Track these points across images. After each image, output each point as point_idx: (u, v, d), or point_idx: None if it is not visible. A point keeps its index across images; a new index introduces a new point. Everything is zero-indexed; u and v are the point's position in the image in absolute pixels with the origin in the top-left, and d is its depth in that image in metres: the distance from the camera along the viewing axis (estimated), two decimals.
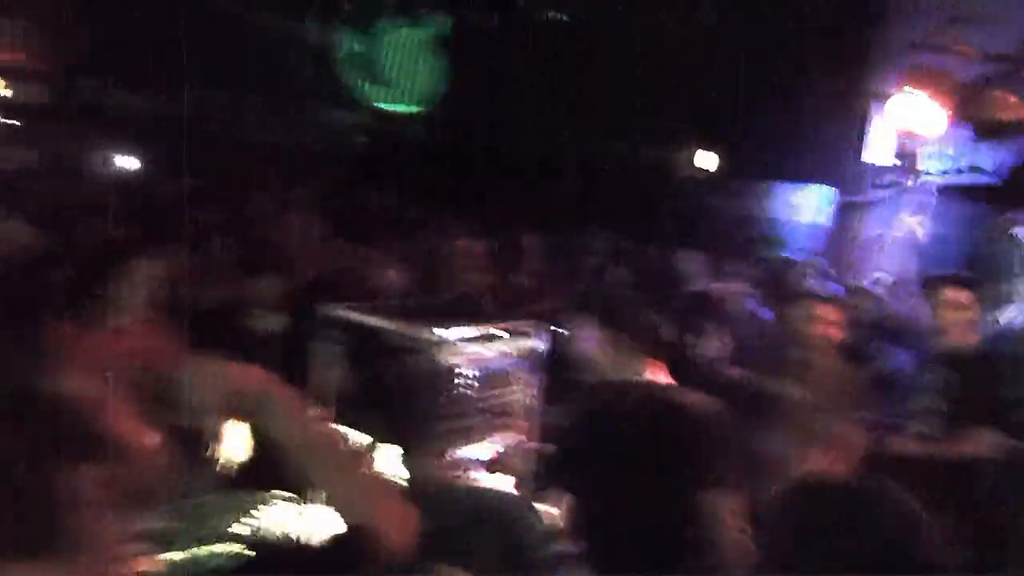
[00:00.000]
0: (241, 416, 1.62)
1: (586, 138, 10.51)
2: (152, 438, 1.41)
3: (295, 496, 2.96)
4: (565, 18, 11.18)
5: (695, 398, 1.96)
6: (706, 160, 10.74)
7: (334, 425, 3.04)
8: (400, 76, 14.47)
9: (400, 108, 14.61)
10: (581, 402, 2.51)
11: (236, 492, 3.05)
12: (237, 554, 2.75)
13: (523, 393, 3.25)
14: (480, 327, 3.08)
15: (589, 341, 3.09)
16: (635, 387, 2.82)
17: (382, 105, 14.35)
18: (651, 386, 2.88)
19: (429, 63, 14.20)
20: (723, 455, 1.83)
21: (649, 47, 9.90)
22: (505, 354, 3.17)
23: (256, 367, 1.65)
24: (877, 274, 7.85)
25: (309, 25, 13.90)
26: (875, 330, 5.87)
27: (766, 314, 6.04)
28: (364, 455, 1.66)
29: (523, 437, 3.25)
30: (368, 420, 3.04)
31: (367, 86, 14.23)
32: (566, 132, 10.71)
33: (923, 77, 7.87)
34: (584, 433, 2.02)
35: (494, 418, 3.18)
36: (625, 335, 2.99)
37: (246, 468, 3.12)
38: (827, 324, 4.03)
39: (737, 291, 6.49)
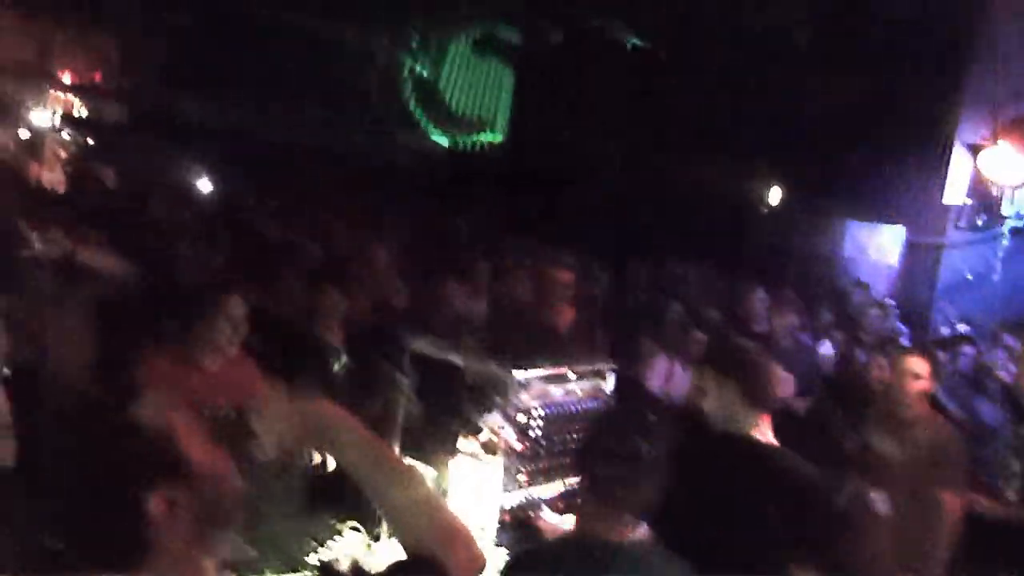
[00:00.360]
0: (317, 449, 1.65)
1: (663, 168, 10.44)
2: (232, 466, 1.50)
3: (364, 527, 3.01)
4: (647, 48, 11.14)
5: (810, 469, 1.94)
6: (789, 196, 10.59)
7: (406, 461, 3.09)
8: (470, 101, 14.66)
9: (471, 134, 14.79)
10: (689, 449, 2.51)
11: (308, 520, 3.12)
12: None
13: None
14: (556, 366, 3.08)
15: (705, 390, 3.02)
16: (752, 446, 2.85)
17: (452, 131, 14.55)
18: (770, 449, 2.88)
19: (500, 87, 14.36)
20: (823, 529, 1.80)
21: (735, 79, 9.83)
22: (579, 394, 3.16)
23: (332, 403, 1.71)
24: (958, 323, 7.62)
25: (381, 48, 14.17)
26: (959, 381, 5.69)
27: (851, 359, 5.92)
28: (434, 493, 1.67)
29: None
30: (436, 452, 3.08)
31: (438, 110, 14.43)
32: (643, 162, 10.67)
33: (1011, 128, 7.87)
34: (689, 480, 2.04)
35: (563, 457, 3.17)
36: (745, 388, 2.94)
37: (318, 497, 3.18)
38: (912, 375, 3.88)
39: (817, 334, 6.39)
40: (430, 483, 3.06)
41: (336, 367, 3.95)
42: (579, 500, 2.60)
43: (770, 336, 5.70)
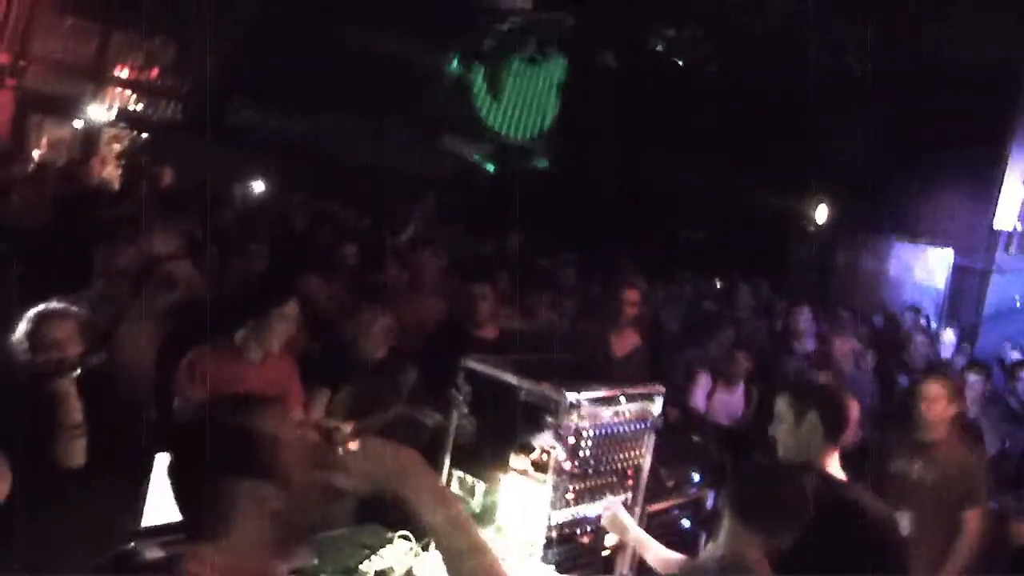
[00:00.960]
0: (391, 493, 1.79)
1: (716, 185, 10.42)
2: (314, 477, 1.67)
3: (414, 537, 3.10)
4: (704, 64, 11.12)
5: (880, 504, 1.99)
6: (838, 215, 10.53)
7: (458, 475, 3.18)
8: (530, 112, 14.73)
9: (528, 144, 14.86)
10: (753, 478, 2.58)
11: (361, 529, 3.22)
12: None
13: (642, 456, 3.31)
14: (607, 388, 3.14)
15: (782, 419, 3.08)
16: (824, 480, 2.90)
17: (512, 140, 14.62)
18: (841, 484, 2.94)
19: (557, 101, 14.40)
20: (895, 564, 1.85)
21: (787, 99, 9.80)
22: (628, 415, 3.22)
23: (408, 448, 1.84)
24: (1012, 351, 7.53)
25: (443, 58, 14.27)
26: (999, 407, 5.64)
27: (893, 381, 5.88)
28: (488, 547, 1.80)
29: (632, 496, 3.30)
30: (487, 468, 3.16)
31: (499, 121, 14.52)
32: (696, 179, 10.66)
33: None
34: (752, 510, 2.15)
35: (610, 477, 3.23)
36: (823, 421, 2.98)
37: (370, 507, 3.27)
38: (933, 400, 3.92)
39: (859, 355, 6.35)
40: (480, 497, 3.16)
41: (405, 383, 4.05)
42: None
43: (822, 357, 5.71)
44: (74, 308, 3.28)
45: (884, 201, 9.31)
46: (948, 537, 3.82)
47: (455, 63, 14.36)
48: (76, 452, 3.02)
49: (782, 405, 3.09)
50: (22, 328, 3.14)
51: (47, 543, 2.85)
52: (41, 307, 3.20)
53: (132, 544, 2.61)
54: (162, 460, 2.78)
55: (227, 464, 1.58)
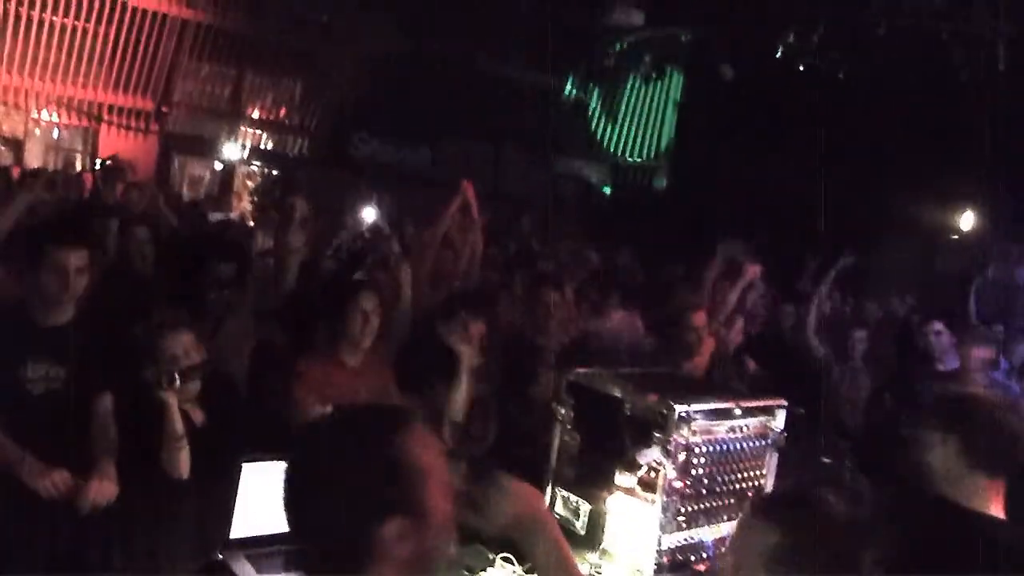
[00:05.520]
0: (512, 536, 1.77)
1: (843, 197, 9.91)
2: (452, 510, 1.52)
3: (516, 559, 2.94)
4: (828, 72, 10.63)
5: None
6: (976, 223, 9.80)
7: (562, 494, 3.01)
8: (647, 131, 14.55)
9: (647, 162, 14.67)
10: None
11: (464, 549, 3.09)
12: None
13: (763, 476, 3.04)
14: (722, 400, 2.90)
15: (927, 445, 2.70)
16: (966, 516, 2.49)
17: (629, 160, 14.47)
18: (989, 521, 2.49)
19: (675, 118, 14.17)
20: None
21: (923, 107, 9.24)
22: (746, 431, 2.97)
23: (534, 489, 1.80)
24: None
25: (558, 81, 14.30)
26: None
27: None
28: None
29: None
30: (591, 486, 2.97)
31: (616, 141, 14.42)
32: (820, 190, 10.16)
33: None
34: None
35: (727, 498, 2.98)
36: (971, 447, 2.52)
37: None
38: None
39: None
40: (584, 518, 2.97)
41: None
42: None
43: (965, 375, 5.21)
44: (187, 320, 3.33)
45: None
46: None
47: (570, 85, 14.34)
48: (180, 462, 3.06)
49: (925, 428, 2.66)
50: (138, 340, 3.21)
51: (147, 550, 2.89)
52: (158, 319, 3.27)
53: (220, 555, 2.59)
54: (251, 470, 2.79)
55: (369, 495, 1.41)
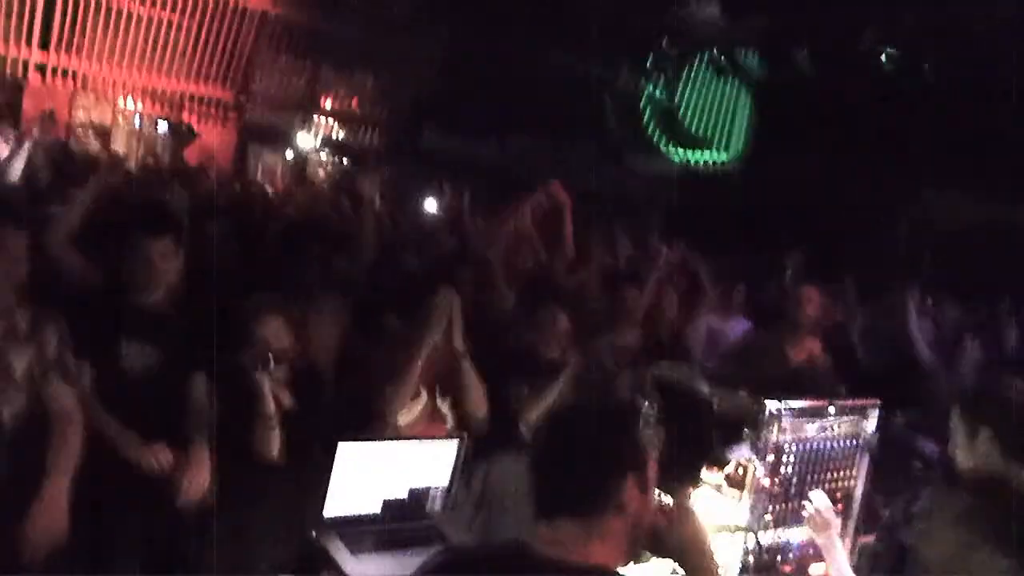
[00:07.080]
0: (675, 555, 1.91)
1: (914, 196, 9.62)
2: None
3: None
4: (900, 71, 10.32)
5: None
6: None
7: None
8: (718, 125, 14.32)
9: (713, 160, 14.44)
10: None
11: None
12: None
13: (854, 479, 2.97)
14: (813, 399, 2.85)
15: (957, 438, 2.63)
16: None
17: (699, 155, 14.26)
18: None
19: (748, 113, 13.92)
20: None
21: (994, 102, 8.88)
22: (838, 432, 2.90)
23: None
24: None
25: (628, 76, 14.17)
26: None
27: None
28: None
29: (841, 524, 2.96)
30: (678, 482, 2.94)
31: (675, 134, 14.24)
32: (891, 190, 9.89)
33: None
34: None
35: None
36: (1002, 438, 2.45)
37: None
38: None
39: None
40: None
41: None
42: None
43: None
44: (280, 304, 3.39)
45: None
46: None
47: (641, 80, 14.19)
48: (273, 443, 3.11)
49: (954, 418, 2.61)
50: (233, 323, 3.28)
51: (243, 532, 2.95)
52: (253, 302, 3.34)
53: (315, 535, 2.63)
54: (344, 450, 2.83)
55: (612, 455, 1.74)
